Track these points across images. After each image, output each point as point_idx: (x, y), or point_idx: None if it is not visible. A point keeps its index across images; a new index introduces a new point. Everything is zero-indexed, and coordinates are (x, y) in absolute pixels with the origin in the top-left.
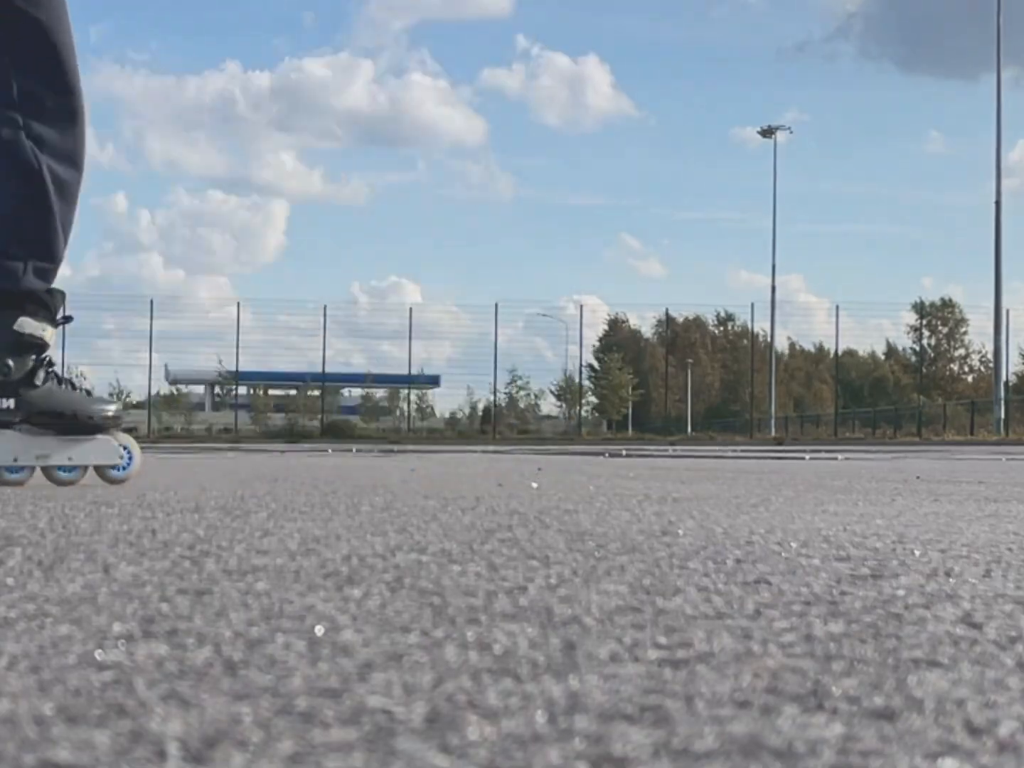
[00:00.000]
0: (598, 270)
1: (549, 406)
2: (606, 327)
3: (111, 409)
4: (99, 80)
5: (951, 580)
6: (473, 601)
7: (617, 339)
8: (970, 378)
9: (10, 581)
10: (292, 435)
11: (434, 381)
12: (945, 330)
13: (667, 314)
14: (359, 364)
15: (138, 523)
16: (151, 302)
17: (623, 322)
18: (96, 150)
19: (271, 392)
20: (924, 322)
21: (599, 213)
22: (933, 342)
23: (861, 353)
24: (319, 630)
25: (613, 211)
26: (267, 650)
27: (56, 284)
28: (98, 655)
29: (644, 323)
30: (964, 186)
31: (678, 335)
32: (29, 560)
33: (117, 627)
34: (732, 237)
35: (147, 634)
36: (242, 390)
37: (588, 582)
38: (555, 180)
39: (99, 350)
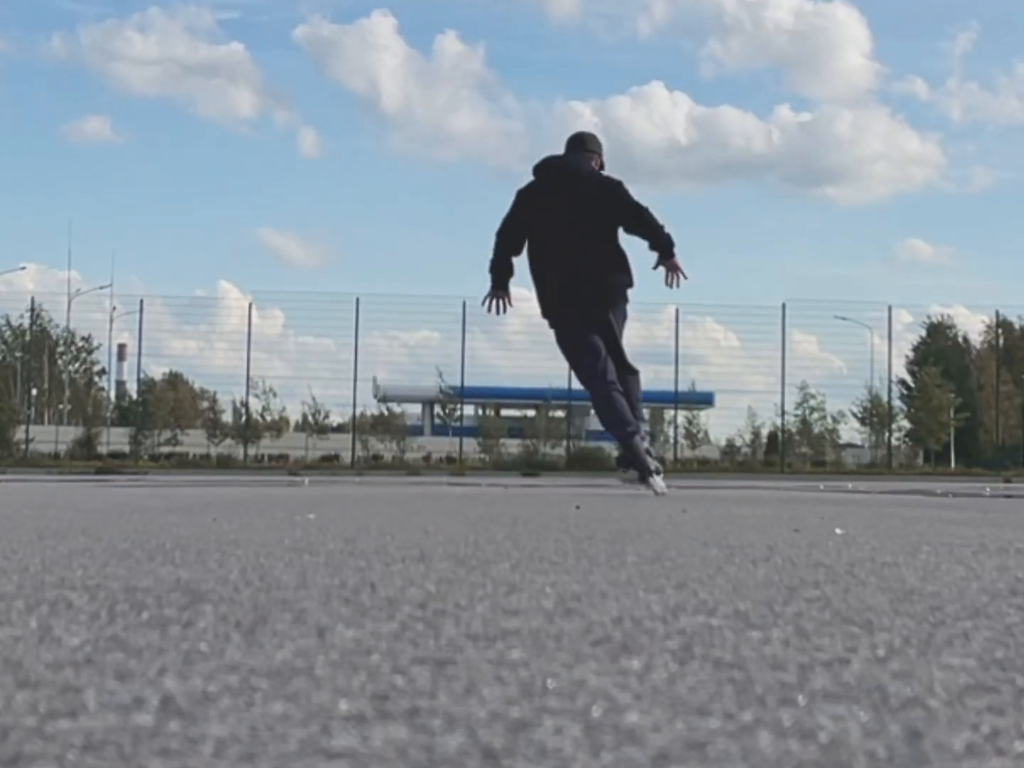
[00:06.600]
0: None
1: (850, 432)
2: (923, 334)
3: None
4: None
5: None
6: (783, 677)
7: (936, 348)
8: None
9: (203, 647)
10: (531, 465)
11: (707, 400)
12: None
13: (997, 317)
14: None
15: (351, 575)
16: None
17: (947, 327)
18: None
19: (503, 414)
20: None
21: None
22: None
23: None
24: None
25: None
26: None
27: None
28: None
29: (970, 328)
30: None
31: (1015, 344)
32: (224, 621)
33: (344, 706)
34: None
35: (382, 714)
36: (468, 410)
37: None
38: None
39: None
